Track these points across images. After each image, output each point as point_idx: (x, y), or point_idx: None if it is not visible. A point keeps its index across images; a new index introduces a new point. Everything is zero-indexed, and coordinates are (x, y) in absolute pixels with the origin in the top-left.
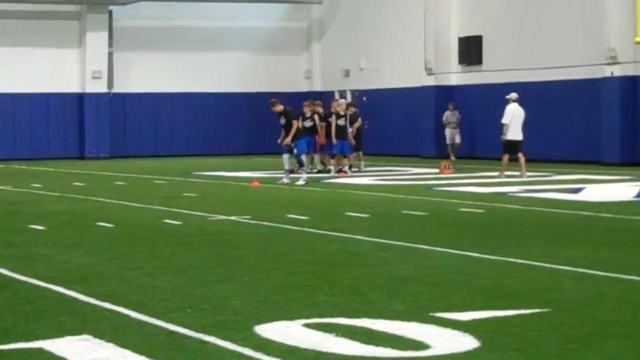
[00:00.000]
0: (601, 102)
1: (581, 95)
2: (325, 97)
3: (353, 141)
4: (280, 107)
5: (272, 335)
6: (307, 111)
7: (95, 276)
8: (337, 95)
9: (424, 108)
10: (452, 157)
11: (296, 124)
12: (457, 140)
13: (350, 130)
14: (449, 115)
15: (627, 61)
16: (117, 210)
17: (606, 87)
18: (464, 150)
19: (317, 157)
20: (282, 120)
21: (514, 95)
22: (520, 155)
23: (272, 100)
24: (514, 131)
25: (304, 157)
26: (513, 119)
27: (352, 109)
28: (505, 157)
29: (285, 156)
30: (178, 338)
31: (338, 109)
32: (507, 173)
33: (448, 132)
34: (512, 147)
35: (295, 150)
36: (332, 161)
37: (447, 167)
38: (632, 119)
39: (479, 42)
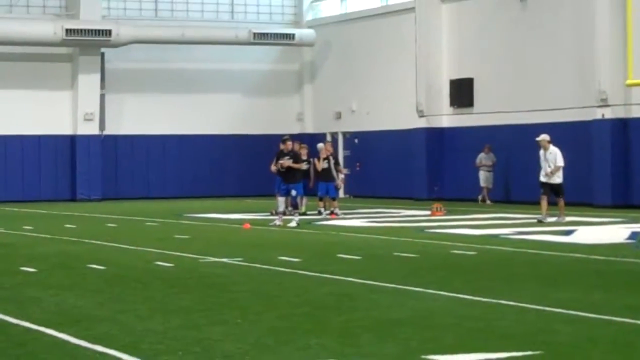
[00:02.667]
0: (592, 144)
1: (572, 138)
2: (317, 139)
3: (340, 183)
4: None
5: None
6: (303, 153)
7: (87, 319)
8: (328, 137)
9: (416, 150)
10: (488, 202)
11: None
12: (490, 184)
13: (340, 173)
14: (484, 158)
15: (618, 103)
16: (109, 252)
17: (597, 130)
18: (452, 191)
19: (305, 200)
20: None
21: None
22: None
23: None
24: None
25: (298, 200)
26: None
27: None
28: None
29: (282, 198)
30: None
31: (323, 152)
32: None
33: (482, 174)
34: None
35: (293, 192)
36: (321, 203)
37: (438, 209)
38: (623, 161)
39: (470, 84)
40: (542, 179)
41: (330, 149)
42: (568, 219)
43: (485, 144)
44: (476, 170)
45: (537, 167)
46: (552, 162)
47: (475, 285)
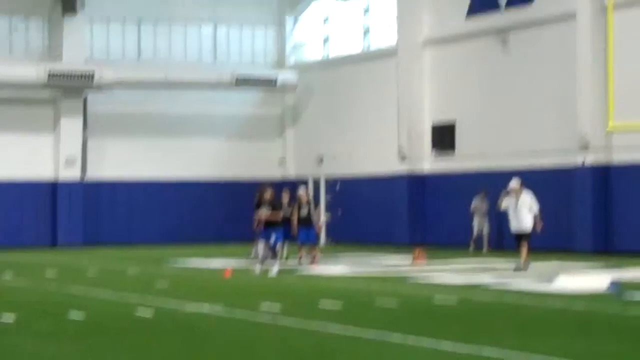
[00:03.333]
0: (574, 190)
1: (554, 183)
2: (300, 183)
3: (320, 230)
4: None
5: None
6: (285, 198)
7: None
8: (310, 182)
9: (397, 195)
10: (487, 248)
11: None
12: (486, 230)
13: (322, 218)
14: (479, 203)
15: (599, 149)
16: (89, 299)
17: (579, 175)
18: (435, 236)
19: (286, 246)
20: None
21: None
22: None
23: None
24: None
25: (278, 246)
26: None
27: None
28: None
29: (262, 244)
30: None
31: (301, 198)
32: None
33: (476, 221)
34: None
35: (273, 238)
36: (302, 250)
37: (420, 255)
38: (604, 207)
39: (452, 128)
40: (515, 229)
41: (306, 197)
42: (550, 265)
43: (482, 188)
44: (461, 215)
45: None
46: (527, 207)
47: (457, 334)
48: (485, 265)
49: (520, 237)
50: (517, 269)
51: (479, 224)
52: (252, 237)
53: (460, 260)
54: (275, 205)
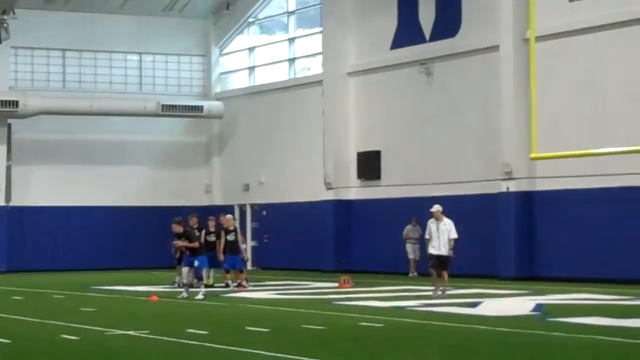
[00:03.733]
0: (497, 217)
1: (478, 210)
2: (225, 211)
3: (246, 255)
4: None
5: None
6: (211, 225)
7: None
8: (236, 209)
9: (324, 222)
10: (414, 274)
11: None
12: (417, 256)
13: (243, 245)
14: (411, 230)
15: (522, 177)
16: (13, 325)
17: (502, 202)
18: (360, 263)
19: (212, 272)
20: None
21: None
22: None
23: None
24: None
25: (204, 272)
26: None
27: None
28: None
29: (185, 269)
30: None
31: (227, 224)
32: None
33: (409, 247)
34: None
35: (196, 263)
36: (228, 276)
37: (346, 281)
38: (527, 234)
39: (377, 157)
40: (433, 251)
41: (232, 223)
42: (474, 290)
43: (413, 217)
44: (387, 242)
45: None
46: (447, 233)
47: (382, 358)
48: (410, 291)
49: (440, 262)
50: (436, 295)
51: (413, 250)
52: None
53: (386, 286)
54: (190, 235)
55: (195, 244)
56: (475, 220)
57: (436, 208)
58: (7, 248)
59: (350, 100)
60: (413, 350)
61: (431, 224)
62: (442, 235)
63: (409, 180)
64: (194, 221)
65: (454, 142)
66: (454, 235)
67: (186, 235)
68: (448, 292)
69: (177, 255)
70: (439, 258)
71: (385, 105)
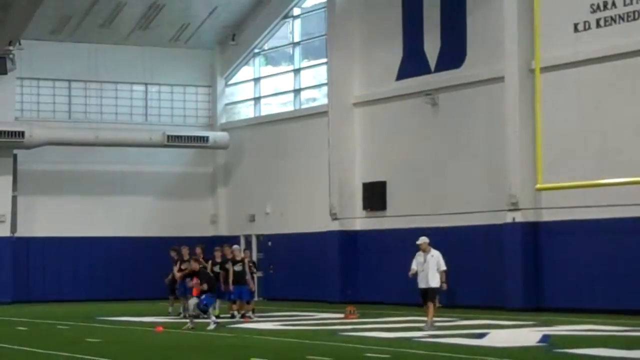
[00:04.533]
0: (503, 248)
1: (484, 241)
2: (231, 242)
3: (253, 286)
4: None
5: None
6: (217, 256)
7: None
8: (242, 240)
9: (329, 253)
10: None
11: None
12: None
13: (249, 276)
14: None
15: (528, 207)
16: (18, 356)
17: (508, 233)
18: (366, 294)
19: (218, 302)
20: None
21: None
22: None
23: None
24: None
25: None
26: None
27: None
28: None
29: (193, 301)
30: None
31: (234, 255)
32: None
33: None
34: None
35: (204, 300)
36: (234, 306)
37: (352, 312)
38: (534, 265)
39: (382, 187)
40: (421, 285)
41: (239, 254)
42: (481, 322)
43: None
44: (392, 273)
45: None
46: (435, 265)
47: None
48: (416, 322)
49: (426, 295)
50: (428, 327)
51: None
52: (181, 294)
53: (392, 316)
54: (204, 275)
55: (205, 287)
56: (481, 250)
57: (422, 240)
58: (12, 279)
59: (356, 131)
60: None
61: (418, 256)
62: (429, 267)
63: (414, 210)
64: (199, 251)
65: (459, 172)
66: (443, 267)
67: (200, 275)
68: (436, 324)
69: (175, 285)
70: (424, 291)
71: (390, 135)
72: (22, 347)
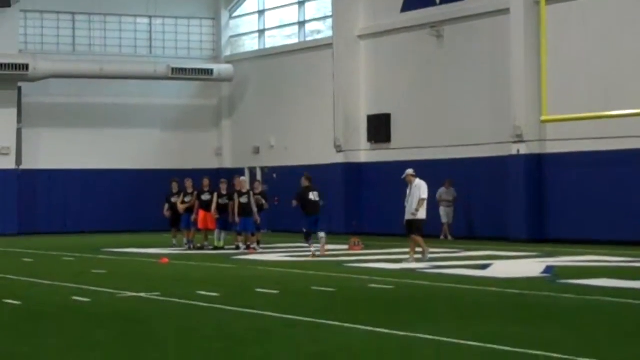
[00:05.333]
0: (508, 179)
1: (488, 173)
2: (236, 174)
3: (258, 218)
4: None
5: None
6: (223, 188)
7: (3, 355)
8: (246, 172)
9: (333, 185)
10: (449, 237)
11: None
12: (450, 219)
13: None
14: (444, 193)
15: (533, 139)
16: (24, 287)
17: (512, 165)
18: (370, 226)
19: (223, 234)
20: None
21: (412, 170)
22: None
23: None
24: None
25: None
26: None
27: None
28: (419, 239)
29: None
30: None
31: (240, 187)
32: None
33: (442, 210)
34: (422, 226)
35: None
36: (240, 238)
37: (356, 243)
38: (538, 196)
39: (387, 120)
40: (408, 217)
41: (245, 186)
42: (484, 253)
43: (446, 179)
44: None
45: (432, 205)
46: (417, 196)
47: (392, 319)
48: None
49: (410, 226)
50: (425, 258)
51: (446, 214)
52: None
53: (396, 248)
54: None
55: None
56: (486, 182)
57: (406, 173)
58: (18, 211)
59: (361, 64)
60: (424, 312)
61: (407, 189)
62: (412, 199)
63: (418, 143)
64: (206, 183)
65: (464, 104)
66: (423, 195)
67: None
68: (439, 255)
69: (177, 217)
70: (408, 222)
71: (395, 68)
72: (28, 279)
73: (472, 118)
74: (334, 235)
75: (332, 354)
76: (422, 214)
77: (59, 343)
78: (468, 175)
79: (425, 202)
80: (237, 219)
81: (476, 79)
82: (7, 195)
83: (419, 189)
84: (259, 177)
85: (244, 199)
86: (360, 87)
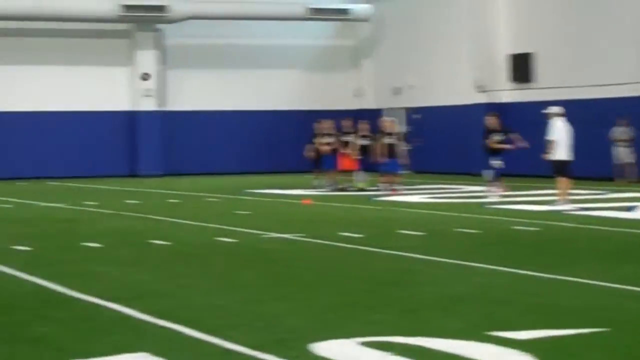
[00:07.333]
0: None
1: (633, 112)
2: (376, 115)
3: (404, 159)
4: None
5: (327, 353)
6: (364, 129)
7: (151, 294)
8: (386, 113)
9: (474, 126)
10: (625, 178)
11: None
12: (630, 159)
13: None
14: (619, 132)
15: None
16: (171, 228)
17: None
18: (516, 167)
19: (365, 175)
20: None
21: (556, 109)
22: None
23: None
24: (564, 150)
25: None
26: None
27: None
28: (563, 181)
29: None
30: (233, 356)
31: (387, 128)
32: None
33: (616, 150)
34: (564, 168)
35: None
36: (382, 179)
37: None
38: None
39: (529, 59)
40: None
41: (390, 125)
42: (630, 194)
43: (620, 117)
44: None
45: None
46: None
47: (537, 261)
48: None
49: (554, 167)
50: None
51: (620, 154)
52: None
53: (541, 189)
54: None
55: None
56: (632, 122)
57: (548, 109)
58: (161, 152)
59: (501, 1)
60: (568, 255)
61: (560, 125)
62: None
63: (562, 82)
64: (349, 124)
65: (611, 43)
66: (551, 136)
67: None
68: (566, 199)
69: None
70: (552, 164)
71: (537, 4)
72: (174, 219)
73: (615, 57)
74: (475, 176)
75: (477, 295)
76: (559, 155)
77: (204, 283)
78: (611, 114)
79: (559, 144)
80: (382, 160)
81: (621, 17)
82: (151, 136)
83: (550, 129)
84: (397, 118)
85: (390, 140)
86: (500, 26)
